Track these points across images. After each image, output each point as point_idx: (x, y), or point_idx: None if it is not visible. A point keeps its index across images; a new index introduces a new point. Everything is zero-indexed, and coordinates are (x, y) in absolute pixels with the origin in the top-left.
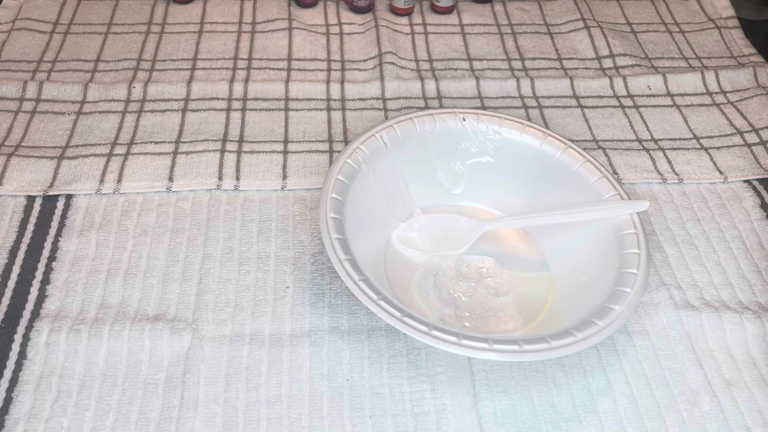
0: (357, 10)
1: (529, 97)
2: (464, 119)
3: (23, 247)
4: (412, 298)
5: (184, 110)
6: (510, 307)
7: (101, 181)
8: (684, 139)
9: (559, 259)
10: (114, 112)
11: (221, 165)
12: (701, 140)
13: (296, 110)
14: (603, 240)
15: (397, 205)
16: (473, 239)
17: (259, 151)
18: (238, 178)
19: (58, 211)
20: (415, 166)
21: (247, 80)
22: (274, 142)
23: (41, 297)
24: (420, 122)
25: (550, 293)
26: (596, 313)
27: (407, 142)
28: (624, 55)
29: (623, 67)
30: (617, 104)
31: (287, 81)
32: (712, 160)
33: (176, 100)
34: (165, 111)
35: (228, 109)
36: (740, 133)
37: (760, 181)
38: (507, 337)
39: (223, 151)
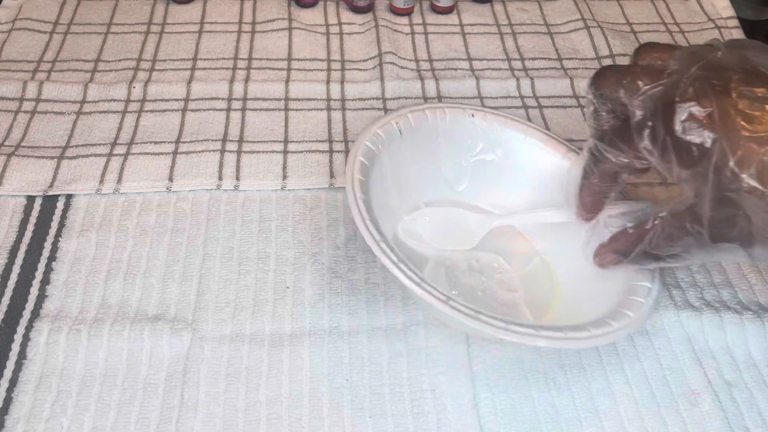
0: (357, 10)
1: (529, 97)
2: (473, 115)
3: (23, 247)
4: None
5: (184, 110)
6: (521, 303)
7: (101, 181)
8: None
9: (560, 256)
10: (114, 112)
11: (221, 165)
12: None
13: (296, 110)
14: None
15: (405, 196)
16: (482, 235)
17: (259, 151)
18: (238, 178)
19: (58, 211)
20: (423, 159)
21: (247, 80)
22: (274, 142)
23: (41, 297)
24: (432, 114)
25: (555, 291)
26: (623, 305)
27: (419, 133)
28: (624, 55)
29: None
30: None
31: (287, 81)
32: None
33: (176, 100)
34: (165, 111)
35: (228, 109)
36: None
37: None
38: (552, 325)
39: (223, 151)
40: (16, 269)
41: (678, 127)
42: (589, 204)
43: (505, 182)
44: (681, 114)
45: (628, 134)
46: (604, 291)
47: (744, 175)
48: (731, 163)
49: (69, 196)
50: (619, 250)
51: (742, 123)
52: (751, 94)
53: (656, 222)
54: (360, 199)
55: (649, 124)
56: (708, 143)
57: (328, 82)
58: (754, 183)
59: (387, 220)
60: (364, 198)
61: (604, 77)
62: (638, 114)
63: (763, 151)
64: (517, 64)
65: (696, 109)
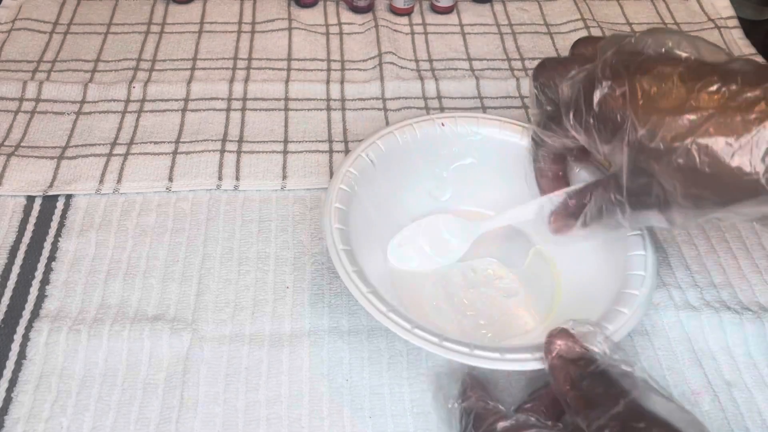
0: (357, 10)
1: (529, 97)
2: (443, 125)
3: (23, 247)
4: (426, 315)
5: (184, 110)
6: (523, 305)
7: (101, 181)
8: None
9: (559, 251)
10: (114, 112)
11: (221, 165)
12: None
13: (296, 110)
14: None
15: (392, 221)
16: (470, 240)
17: (258, 151)
18: (237, 178)
19: (58, 211)
20: (402, 180)
21: (246, 80)
22: (273, 142)
23: (41, 297)
24: (401, 134)
25: (557, 286)
26: (617, 301)
27: (392, 157)
28: None
29: None
30: None
31: (287, 81)
32: None
33: (176, 100)
34: (165, 111)
35: (228, 109)
36: None
37: None
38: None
39: (222, 151)
40: (15, 269)
41: (596, 107)
42: (545, 186)
43: (488, 181)
44: (598, 94)
45: (559, 117)
46: (603, 275)
47: (651, 145)
48: (639, 135)
49: (69, 196)
50: (571, 216)
51: (650, 97)
52: (659, 71)
53: (593, 195)
54: (342, 250)
55: (574, 104)
56: (620, 119)
57: (328, 82)
58: (660, 147)
59: (378, 249)
60: (345, 249)
61: (543, 67)
62: (566, 96)
63: (667, 122)
64: (517, 64)
65: (611, 89)
